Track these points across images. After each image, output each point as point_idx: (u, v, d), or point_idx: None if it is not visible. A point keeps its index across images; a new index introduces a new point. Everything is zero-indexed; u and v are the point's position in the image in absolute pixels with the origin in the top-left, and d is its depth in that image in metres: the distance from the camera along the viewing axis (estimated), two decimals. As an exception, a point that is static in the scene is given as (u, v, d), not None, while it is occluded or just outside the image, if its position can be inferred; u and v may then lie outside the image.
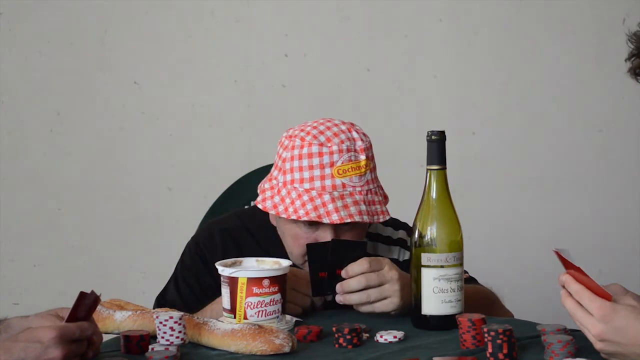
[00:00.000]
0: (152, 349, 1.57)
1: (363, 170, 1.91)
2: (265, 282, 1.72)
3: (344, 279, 1.85)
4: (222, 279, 1.75)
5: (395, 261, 2.01)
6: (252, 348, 1.58)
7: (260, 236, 2.04)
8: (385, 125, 3.41)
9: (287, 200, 1.88)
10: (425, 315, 1.71)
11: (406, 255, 2.04)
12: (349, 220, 1.85)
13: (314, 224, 1.89)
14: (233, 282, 1.72)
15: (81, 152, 3.47)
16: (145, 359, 1.51)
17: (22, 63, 3.46)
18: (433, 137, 1.73)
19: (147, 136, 3.46)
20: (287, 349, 1.58)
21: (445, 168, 1.74)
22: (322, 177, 1.88)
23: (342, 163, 1.89)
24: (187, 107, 3.45)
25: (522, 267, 3.31)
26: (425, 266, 1.70)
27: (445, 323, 1.71)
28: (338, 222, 1.84)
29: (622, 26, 1.73)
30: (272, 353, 1.57)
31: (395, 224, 2.10)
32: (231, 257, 1.92)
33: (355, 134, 1.93)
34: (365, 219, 1.87)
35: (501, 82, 3.40)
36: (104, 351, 1.57)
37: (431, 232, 1.72)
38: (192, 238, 2.09)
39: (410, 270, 1.79)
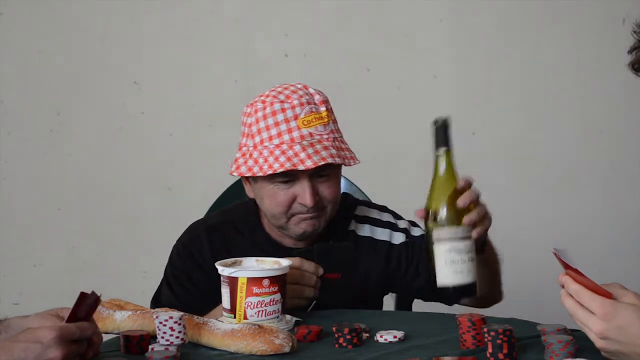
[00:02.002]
0: (152, 349, 1.57)
1: (326, 120, 1.97)
2: (265, 282, 1.72)
3: (333, 282, 1.93)
4: (222, 279, 1.75)
5: (387, 244, 2.06)
6: (252, 348, 1.58)
7: (244, 228, 2.07)
8: (385, 125, 3.41)
9: (261, 160, 1.92)
10: (441, 287, 1.72)
11: (401, 238, 2.08)
12: (322, 163, 1.89)
13: (289, 181, 1.94)
14: (233, 282, 1.72)
15: (81, 152, 3.47)
16: (145, 359, 1.51)
17: (22, 63, 3.46)
18: (438, 122, 1.82)
19: (147, 136, 3.46)
20: (287, 349, 1.58)
21: (450, 149, 1.82)
22: (289, 130, 1.93)
23: (305, 115, 1.95)
24: (187, 107, 3.45)
25: (522, 267, 3.31)
26: (437, 241, 1.74)
27: (460, 292, 1.73)
28: (312, 166, 1.88)
29: (622, 26, 1.73)
30: (272, 353, 1.57)
31: (378, 207, 2.15)
32: (219, 252, 1.95)
33: (311, 90, 2.00)
34: (337, 160, 1.92)
35: (501, 82, 3.40)
36: (104, 351, 1.57)
37: (440, 208, 1.77)
38: (177, 241, 2.10)
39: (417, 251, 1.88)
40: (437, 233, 1.75)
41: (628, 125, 3.37)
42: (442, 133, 1.82)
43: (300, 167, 1.89)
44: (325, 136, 1.95)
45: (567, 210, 3.40)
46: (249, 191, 2.03)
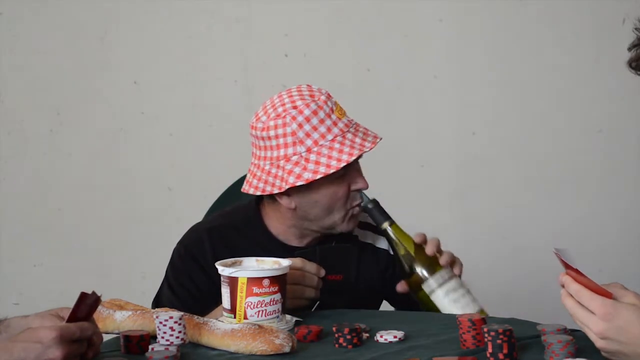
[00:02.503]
0: (152, 349, 1.57)
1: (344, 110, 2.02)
2: (265, 282, 1.72)
3: (335, 283, 1.96)
4: (222, 278, 1.75)
5: (386, 252, 2.08)
6: (252, 348, 1.58)
7: (245, 230, 2.06)
8: (385, 125, 3.40)
9: (323, 159, 1.92)
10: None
11: None
12: (378, 140, 1.98)
13: (343, 174, 1.96)
14: (233, 282, 1.72)
15: (81, 152, 3.47)
16: (145, 359, 1.51)
17: (22, 63, 3.46)
18: (369, 205, 1.97)
19: (147, 136, 3.46)
20: (287, 349, 1.58)
21: (393, 221, 1.96)
22: (335, 123, 1.95)
23: (335, 107, 1.98)
24: (187, 107, 3.45)
25: (522, 267, 3.31)
26: (432, 293, 1.88)
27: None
28: (373, 146, 1.96)
29: (622, 26, 1.73)
30: (272, 353, 1.57)
31: None
32: (220, 254, 1.94)
33: (315, 88, 2.02)
34: (379, 135, 2.00)
35: (501, 82, 3.40)
36: (104, 351, 1.57)
37: (417, 268, 1.90)
38: (178, 243, 2.09)
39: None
40: (427, 287, 1.87)
41: (628, 125, 3.37)
42: (377, 212, 1.96)
43: (366, 149, 1.94)
44: (355, 121, 2.00)
45: (567, 210, 3.40)
46: (288, 203, 1.99)
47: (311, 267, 1.90)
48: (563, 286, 1.46)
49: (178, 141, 3.45)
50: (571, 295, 1.44)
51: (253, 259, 1.83)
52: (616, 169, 3.39)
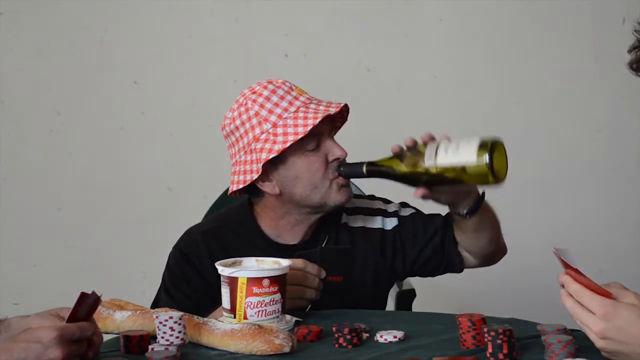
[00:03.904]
0: (152, 349, 1.57)
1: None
2: (265, 282, 1.72)
3: (335, 285, 1.96)
4: (222, 278, 1.75)
5: (380, 231, 2.09)
6: (252, 348, 1.58)
7: (240, 230, 2.07)
8: (385, 125, 3.41)
9: (290, 129, 1.95)
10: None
11: (393, 222, 2.11)
12: (342, 105, 2.00)
13: (316, 147, 1.98)
14: (233, 282, 1.72)
15: (81, 152, 3.47)
16: (145, 359, 1.51)
17: (22, 63, 3.46)
18: (341, 169, 1.99)
19: (147, 136, 3.46)
20: (287, 349, 1.58)
21: (368, 161, 1.95)
22: (296, 98, 2.00)
23: (294, 87, 2.04)
24: (187, 107, 3.45)
25: (522, 267, 3.31)
26: (436, 161, 1.87)
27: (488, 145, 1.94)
28: (338, 109, 1.97)
29: (622, 26, 1.73)
30: (272, 353, 1.57)
31: (367, 196, 2.20)
32: (216, 255, 1.95)
33: (272, 79, 2.07)
34: (345, 103, 2.02)
35: (501, 82, 3.40)
36: (104, 351, 1.57)
37: (413, 165, 1.90)
38: (174, 247, 2.09)
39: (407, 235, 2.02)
40: (428, 163, 1.86)
41: (627, 125, 3.37)
42: (350, 167, 1.97)
43: (332, 111, 1.95)
44: (316, 99, 2.03)
45: (567, 211, 3.40)
46: (271, 188, 2.01)
47: (312, 268, 1.90)
48: (563, 286, 1.46)
49: (178, 141, 3.45)
50: (571, 295, 1.44)
51: (253, 259, 1.83)
52: (616, 169, 3.39)
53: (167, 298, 2.03)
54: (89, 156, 3.47)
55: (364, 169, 1.93)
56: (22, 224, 3.49)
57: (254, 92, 2.01)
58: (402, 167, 1.89)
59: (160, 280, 2.10)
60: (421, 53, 3.40)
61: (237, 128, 2.01)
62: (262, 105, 1.98)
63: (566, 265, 1.46)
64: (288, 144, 1.93)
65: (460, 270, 2.11)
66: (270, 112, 1.97)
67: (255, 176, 1.96)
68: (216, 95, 3.44)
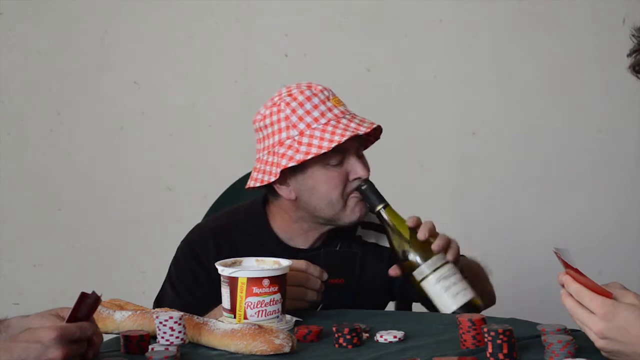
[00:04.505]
0: (152, 349, 1.57)
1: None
2: (265, 282, 1.72)
3: (337, 287, 1.97)
4: (222, 278, 1.75)
5: (388, 250, 2.04)
6: (252, 348, 1.58)
7: (248, 229, 2.06)
8: (385, 125, 3.40)
9: (316, 141, 1.93)
10: (452, 314, 1.82)
11: None
12: (374, 126, 1.96)
13: (340, 162, 1.96)
14: (233, 282, 1.72)
15: (81, 152, 3.47)
16: (145, 359, 1.51)
17: (22, 63, 3.46)
18: (362, 186, 1.95)
19: (147, 136, 3.46)
20: (287, 349, 1.58)
21: (387, 203, 1.93)
22: (330, 109, 1.97)
23: (332, 96, 2.00)
24: (187, 107, 3.45)
25: (522, 267, 3.32)
26: (424, 279, 1.85)
27: (468, 310, 1.83)
28: (368, 130, 1.94)
29: (622, 26, 1.73)
30: (272, 353, 1.57)
31: None
32: (224, 253, 1.95)
33: (312, 83, 2.03)
34: (378, 124, 1.98)
35: (501, 82, 3.40)
36: (104, 351, 1.57)
37: (409, 253, 1.88)
38: (182, 241, 2.09)
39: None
40: (418, 273, 1.85)
41: (628, 125, 3.37)
42: (371, 193, 1.93)
43: (360, 132, 1.92)
44: (352, 112, 2.00)
45: (567, 210, 3.40)
46: (288, 193, 2.00)
47: (315, 269, 1.90)
48: (563, 286, 1.46)
49: (178, 141, 3.45)
50: (571, 295, 1.44)
51: (253, 259, 1.82)
52: (616, 168, 3.39)
53: (171, 292, 2.04)
54: (89, 156, 3.47)
55: (379, 208, 1.92)
56: (22, 224, 3.49)
57: (290, 95, 1.97)
58: (402, 244, 1.90)
59: (160, 280, 2.10)
60: (421, 53, 3.40)
61: (266, 126, 1.99)
62: (294, 110, 1.95)
63: (566, 265, 1.46)
64: (310, 156, 1.92)
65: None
66: (300, 119, 1.95)
67: (272, 179, 1.95)
68: (216, 95, 3.44)
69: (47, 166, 3.47)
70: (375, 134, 2.06)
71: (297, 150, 1.93)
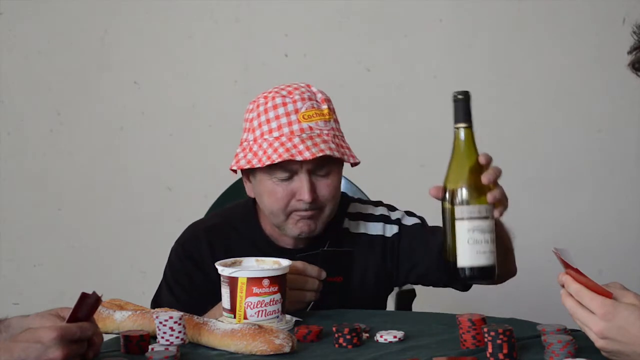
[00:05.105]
0: (152, 349, 1.57)
1: (327, 117, 1.96)
2: (265, 282, 1.72)
3: (334, 285, 1.95)
4: (222, 278, 1.75)
5: (381, 238, 2.06)
6: (252, 348, 1.58)
7: (243, 229, 2.07)
8: (385, 125, 3.41)
9: (260, 152, 1.93)
10: (461, 268, 1.64)
11: (394, 230, 2.07)
12: (320, 155, 1.88)
13: (289, 177, 1.94)
14: (233, 282, 1.72)
15: (81, 152, 3.47)
16: (145, 359, 1.51)
17: (22, 63, 3.46)
18: (459, 96, 1.77)
19: (147, 136, 3.46)
20: (287, 349, 1.58)
21: (471, 126, 1.78)
22: (290, 123, 1.93)
23: (306, 109, 1.95)
24: (187, 107, 3.45)
25: (522, 267, 3.31)
26: (458, 219, 1.68)
27: (481, 275, 1.66)
28: (310, 157, 1.88)
29: (622, 26, 1.73)
30: (272, 353, 1.57)
31: (372, 202, 2.15)
32: (217, 253, 1.96)
33: (314, 89, 2.00)
34: (336, 154, 1.91)
35: (501, 82, 3.40)
36: (104, 351, 1.57)
37: (462, 186, 1.71)
38: (176, 242, 2.09)
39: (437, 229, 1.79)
40: (459, 211, 1.68)
41: (627, 125, 3.37)
42: (461, 107, 1.78)
43: (299, 158, 1.88)
44: (326, 131, 1.95)
45: (567, 210, 3.40)
46: (250, 190, 2.03)
47: (312, 270, 1.90)
48: (563, 286, 1.46)
49: (178, 141, 3.45)
50: (571, 295, 1.44)
51: (253, 259, 1.83)
52: (616, 169, 3.39)
53: (168, 294, 2.04)
54: (89, 156, 3.47)
55: (461, 125, 1.76)
56: (22, 224, 3.49)
57: (266, 97, 1.98)
58: (461, 172, 1.73)
59: (160, 279, 2.10)
60: (421, 53, 3.40)
61: (244, 119, 2.02)
62: (259, 114, 1.96)
63: (566, 265, 1.46)
64: (247, 166, 1.94)
65: (464, 290, 2.04)
66: (259, 125, 1.95)
67: (235, 167, 1.98)
68: (216, 95, 3.44)
69: (47, 166, 3.47)
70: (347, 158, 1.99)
71: (245, 156, 1.95)
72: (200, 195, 3.17)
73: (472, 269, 1.65)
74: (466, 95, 1.79)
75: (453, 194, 1.71)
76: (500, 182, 1.78)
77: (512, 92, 3.40)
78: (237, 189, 2.50)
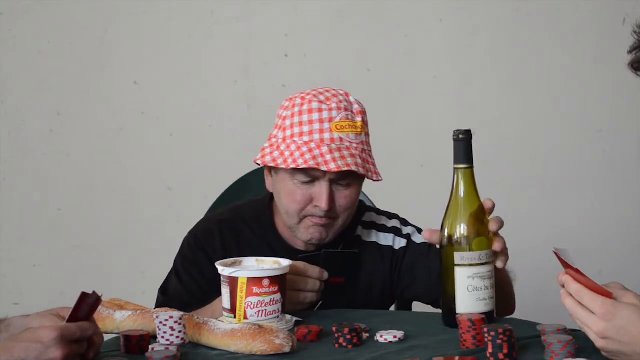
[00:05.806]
0: (152, 349, 1.57)
1: (359, 130, 1.97)
2: (265, 282, 1.72)
3: (337, 286, 1.95)
4: (222, 278, 1.75)
5: (391, 249, 2.06)
6: (252, 348, 1.58)
7: (256, 226, 2.07)
8: (385, 125, 3.41)
9: (287, 153, 1.93)
10: (460, 315, 1.62)
11: (402, 243, 2.08)
12: (345, 169, 1.89)
13: (310, 181, 1.94)
14: (233, 282, 1.72)
15: (81, 152, 3.47)
16: (145, 359, 1.51)
17: (22, 63, 3.46)
18: (460, 136, 1.71)
19: (147, 136, 3.46)
20: (287, 349, 1.58)
21: (472, 167, 1.72)
22: (321, 131, 1.93)
23: (340, 120, 1.95)
24: (187, 107, 3.45)
25: (522, 267, 3.30)
26: (458, 265, 1.67)
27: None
28: (335, 170, 1.88)
29: (622, 26, 1.73)
30: (272, 353, 1.57)
31: (387, 214, 2.15)
32: (229, 247, 1.97)
33: (352, 99, 2.00)
34: (361, 170, 1.91)
35: (501, 82, 3.40)
36: (104, 351, 1.57)
37: (463, 231, 1.69)
38: (189, 232, 2.11)
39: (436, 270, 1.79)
40: (459, 257, 1.67)
41: (627, 125, 3.37)
42: (462, 147, 1.71)
43: (324, 168, 1.89)
44: (355, 145, 1.95)
45: (567, 210, 3.40)
46: (269, 185, 2.03)
47: (313, 271, 1.90)
48: (563, 286, 1.46)
49: (178, 141, 3.45)
50: (571, 295, 1.44)
51: (253, 259, 1.83)
52: (616, 168, 3.39)
53: (176, 282, 2.05)
54: (89, 156, 3.47)
55: (462, 166, 1.70)
56: (22, 224, 3.49)
57: (303, 98, 1.97)
58: (461, 214, 1.71)
59: (160, 280, 2.10)
60: (421, 53, 3.40)
61: (277, 115, 2.01)
62: (293, 115, 1.96)
63: (566, 265, 1.46)
64: (272, 164, 1.94)
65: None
66: (292, 126, 1.95)
67: (259, 161, 1.98)
68: (216, 95, 3.44)
69: (47, 166, 3.47)
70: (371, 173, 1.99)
71: (271, 153, 1.95)
72: (200, 195, 3.16)
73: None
74: (468, 134, 1.72)
75: (453, 239, 1.69)
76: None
77: (512, 92, 3.40)
78: (237, 189, 2.51)
